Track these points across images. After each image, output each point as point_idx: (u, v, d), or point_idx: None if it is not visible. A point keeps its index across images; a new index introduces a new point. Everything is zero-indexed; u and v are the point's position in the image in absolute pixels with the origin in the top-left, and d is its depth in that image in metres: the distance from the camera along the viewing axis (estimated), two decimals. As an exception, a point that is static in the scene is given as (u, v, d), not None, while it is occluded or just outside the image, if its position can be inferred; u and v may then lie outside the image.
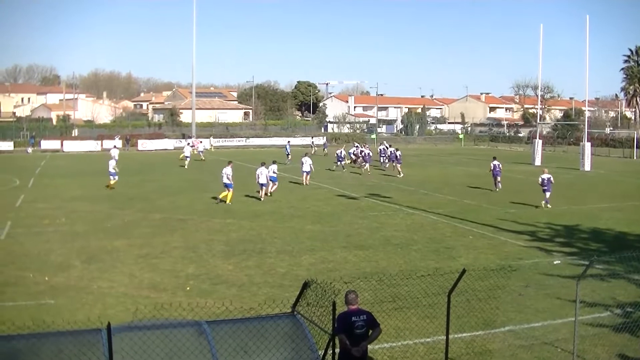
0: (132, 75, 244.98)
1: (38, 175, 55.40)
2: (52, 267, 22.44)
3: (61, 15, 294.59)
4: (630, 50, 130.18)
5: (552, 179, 37.74)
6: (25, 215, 33.60)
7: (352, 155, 68.00)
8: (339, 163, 61.59)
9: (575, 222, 32.32)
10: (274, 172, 41.10)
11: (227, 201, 37.50)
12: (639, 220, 33.12)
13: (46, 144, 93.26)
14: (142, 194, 41.97)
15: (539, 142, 72.20)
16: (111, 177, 45.44)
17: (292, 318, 10.96)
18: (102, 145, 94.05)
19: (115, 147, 68.65)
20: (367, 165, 60.52)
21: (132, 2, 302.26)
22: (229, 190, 37.91)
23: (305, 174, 46.81)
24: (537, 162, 69.33)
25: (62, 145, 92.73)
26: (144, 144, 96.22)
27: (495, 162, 45.91)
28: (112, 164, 46.09)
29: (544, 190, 37.48)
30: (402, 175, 54.13)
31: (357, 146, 71.11)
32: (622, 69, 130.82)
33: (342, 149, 64.86)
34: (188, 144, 77.00)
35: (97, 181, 49.65)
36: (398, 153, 56.77)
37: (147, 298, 18.31)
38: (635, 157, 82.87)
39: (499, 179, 45.81)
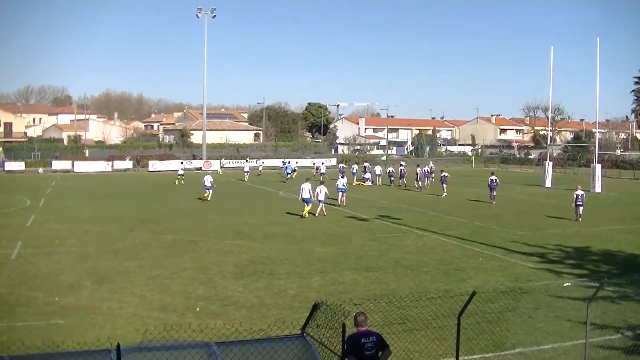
0: (143, 96, 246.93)
1: (49, 195, 55.60)
2: (63, 287, 22.47)
3: (73, 36, 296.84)
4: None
5: (584, 195, 41.72)
6: (35, 235, 33.69)
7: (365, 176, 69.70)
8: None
9: (586, 244, 32.20)
10: (325, 193, 43.11)
11: (305, 214, 41.38)
12: (650, 242, 32.99)
13: (57, 164, 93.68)
14: (153, 215, 42.05)
15: (549, 164, 72.07)
16: (207, 191, 52.20)
17: (301, 340, 10.96)
18: (112, 165, 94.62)
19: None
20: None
21: (143, 23, 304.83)
22: (307, 205, 41.64)
23: (320, 203, 42.94)
24: (548, 183, 69.16)
25: (73, 165, 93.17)
26: (155, 165, 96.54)
27: (493, 177, 51.89)
28: (209, 179, 53.05)
29: (578, 205, 41.15)
30: (445, 195, 55.98)
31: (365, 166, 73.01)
32: (633, 90, 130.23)
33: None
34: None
35: (107, 202, 49.86)
36: (444, 174, 58.26)
37: (156, 319, 18.31)
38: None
39: (494, 193, 51.32)
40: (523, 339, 16.96)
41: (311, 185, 42.84)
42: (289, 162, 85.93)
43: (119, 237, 33.20)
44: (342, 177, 50.45)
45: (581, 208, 41.08)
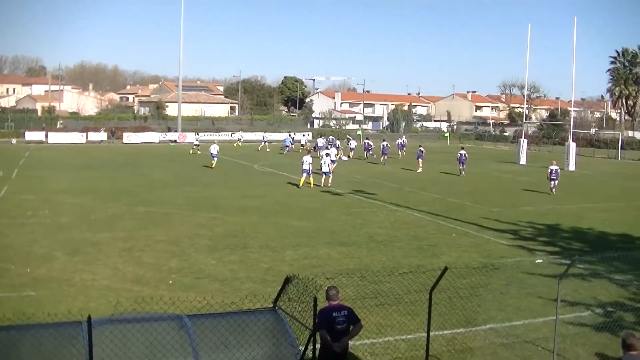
0: (118, 68, 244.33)
1: (22, 166, 55.15)
2: (35, 259, 22.36)
3: (48, 6, 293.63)
4: (617, 51, 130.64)
5: (559, 170, 44.14)
6: (8, 206, 33.45)
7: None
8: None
9: (559, 221, 32.44)
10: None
11: (300, 185, 43.55)
12: (621, 221, 33.27)
13: (31, 135, 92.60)
14: (127, 187, 41.86)
15: (524, 142, 72.39)
16: (213, 159, 56.84)
17: (273, 313, 10.96)
18: (87, 137, 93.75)
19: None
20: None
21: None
22: (305, 175, 43.99)
23: (324, 174, 44.71)
24: (522, 161, 69.55)
25: (46, 136, 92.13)
26: (130, 137, 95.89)
27: (462, 152, 55.82)
28: (215, 147, 57.61)
29: (552, 179, 43.22)
30: (420, 170, 56.97)
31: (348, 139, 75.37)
32: (609, 70, 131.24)
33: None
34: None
35: (82, 173, 49.60)
36: (420, 149, 59.16)
37: (129, 291, 18.28)
38: (619, 158, 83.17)
39: (464, 166, 54.98)
40: (494, 315, 17.09)
41: (312, 159, 45.33)
42: (289, 135, 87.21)
43: (93, 209, 33.05)
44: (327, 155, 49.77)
45: (555, 182, 43.26)
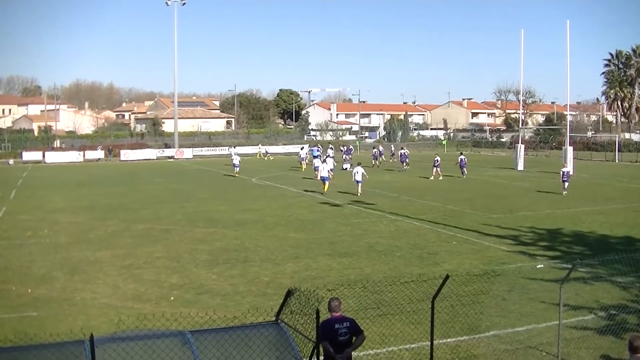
0: (113, 85, 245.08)
1: (20, 187, 55.15)
2: (35, 279, 22.31)
3: (42, 26, 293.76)
4: (611, 54, 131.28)
5: (570, 172, 47.47)
6: (7, 227, 33.41)
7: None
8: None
9: (558, 225, 32.40)
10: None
11: (324, 191, 45.99)
12: (621, 223, 33.23)
13: (28, 155, 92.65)
14: (125, 205, 41.84)
15: (521, 147, 72.37)
16: (235, 168, 62.85)
17: (276, 326, 10.93)
18: (84, 155, 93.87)
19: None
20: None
21: (113, 11, 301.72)
22: (325, 183, 46.76)
23: (358, 183, 45.95)
24: (520, 166, 69.52)
25: (44, 156, 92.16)
26: (127, 154, 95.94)
27: (462, 157, 60.81)
28: (237, 158, 63.80)
29: (564, 181, 46.21)
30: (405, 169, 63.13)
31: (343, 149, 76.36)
32: (603, 73, 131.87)
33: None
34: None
35: (79, 192, 49.56)
36: (404, 151, 66.00)
37: (130, 309, 18.22)
38: (617, 161, 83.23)
39: (465, 169, 59.72)
40: (497, 321, 17.04)
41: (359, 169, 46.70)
42: (316, 147, 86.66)
43: (91, 227, 33.01)
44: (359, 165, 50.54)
45: (566, 183, 46.07)
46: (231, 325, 11.34)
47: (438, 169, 58.71)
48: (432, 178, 57.85)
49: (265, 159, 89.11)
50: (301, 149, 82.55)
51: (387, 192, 47.05)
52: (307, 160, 74.12)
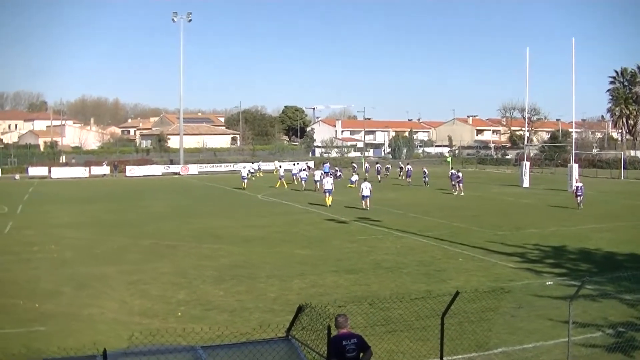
0: (119, 101, 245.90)
1: (26, 202, 55.23)
2: (42, 294, 22.32)
3: (48, 41, 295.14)
4: (616, 71, 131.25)
5: (583, 187, 48.06)
6: (13, 242, 33.46)
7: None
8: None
9: (565, 243, 32.36)
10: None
11: (328, 204, 48.27)
12: (628, 240, 33.16)
13: (34, 171, 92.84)
14: (131, 220, 41.91)
15: (526, 164, 72.26)
16: (243, 181, 66.68)
17: (287, 342, 10.94)
18: (90, 171, 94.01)
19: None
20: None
21: (119, 27, 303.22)
22: (329, 195, 48.99)
23: (365, 198, 47.58)
24: (525, 184, 69.38)
25: (49, 171, 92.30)
26: (132, 170, 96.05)
27: (453, 171, 62.46)
28: (246, 170, 68.65)
29: (578, 195, 47.55)
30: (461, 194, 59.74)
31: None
32: (608, 90, 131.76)
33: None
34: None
35: (85, 207, 49.63)
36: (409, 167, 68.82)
37: (138, 324, 18.19)
38: (622, 178, 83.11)
39: (458, 184, 59.83)
40: (506, 338, 17.01)
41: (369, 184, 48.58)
42: (327, 163, 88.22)
43: (98, 242, 33.05)
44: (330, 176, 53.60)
45: (580, 197, 47.38)
46: (243, 341, 11.36)
47: (460, 184, 59.91)
48: (455, 193, 59.38)
49: (275, 173, 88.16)
50: (243, 167, 78.47)
51: (393, 209, 47.04)
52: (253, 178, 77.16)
